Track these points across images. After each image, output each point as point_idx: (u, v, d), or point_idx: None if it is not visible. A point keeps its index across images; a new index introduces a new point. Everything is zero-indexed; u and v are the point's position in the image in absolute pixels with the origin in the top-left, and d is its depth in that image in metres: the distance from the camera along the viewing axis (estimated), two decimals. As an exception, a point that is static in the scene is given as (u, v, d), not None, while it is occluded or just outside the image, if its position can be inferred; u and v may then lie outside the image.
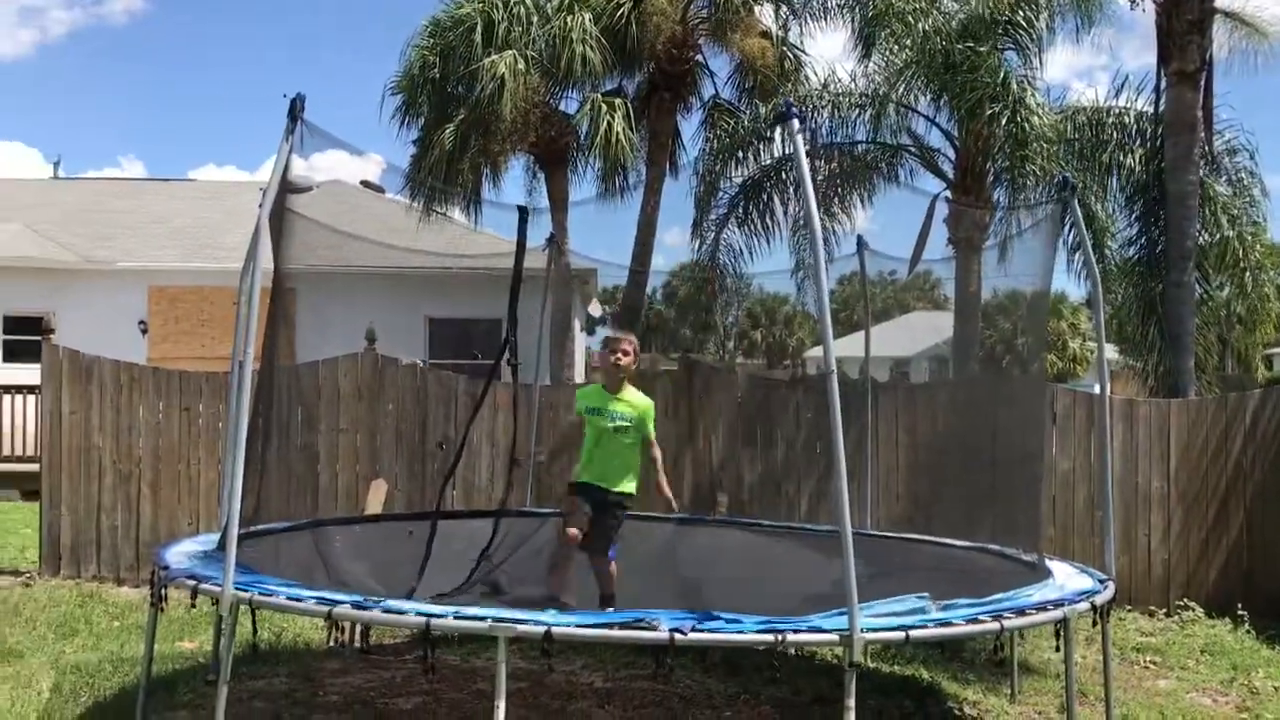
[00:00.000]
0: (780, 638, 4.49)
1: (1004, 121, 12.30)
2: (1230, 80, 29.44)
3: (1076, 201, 6.76)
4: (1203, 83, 12.24)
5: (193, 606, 5.93)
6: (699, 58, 17.19)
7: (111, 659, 7.40)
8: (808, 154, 13.76)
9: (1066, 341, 37.82)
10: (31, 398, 14.62)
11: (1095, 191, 13.64)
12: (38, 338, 10.44)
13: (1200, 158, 12.38)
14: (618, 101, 16.05)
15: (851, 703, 4.42)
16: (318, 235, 7.92)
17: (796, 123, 4.77)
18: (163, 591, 5.70)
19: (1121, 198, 13.80)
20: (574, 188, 17.32)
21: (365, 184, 26.59)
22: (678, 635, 4.41)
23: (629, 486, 6.23)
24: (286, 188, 5.54)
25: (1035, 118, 12.34)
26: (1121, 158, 13.66)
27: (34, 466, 10.69)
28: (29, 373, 13.96)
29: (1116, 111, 13.94)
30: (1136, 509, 9.63)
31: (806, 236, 13.92)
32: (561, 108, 16.91)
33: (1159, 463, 9.65)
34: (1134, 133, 13.77)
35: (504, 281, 6.99)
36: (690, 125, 18.74)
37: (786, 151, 14.21)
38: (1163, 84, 12.61)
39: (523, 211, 6.26)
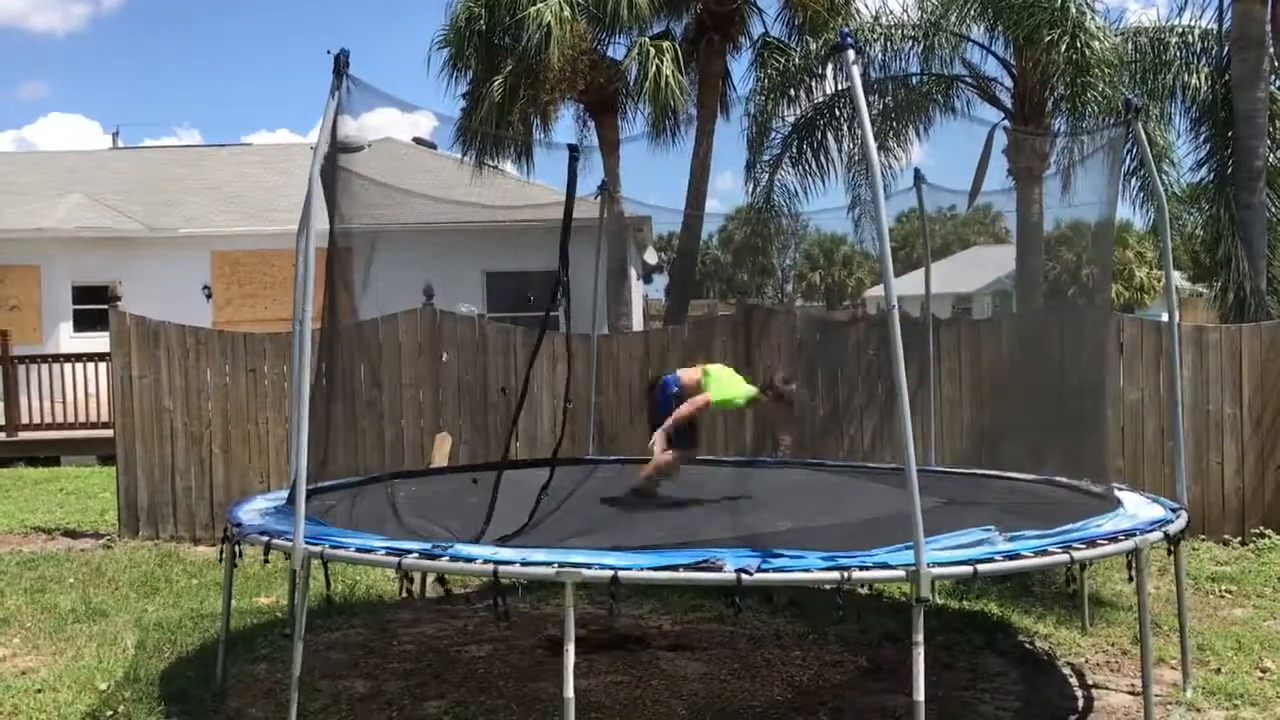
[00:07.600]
0: (846, 574, 4.45)
1: (1063, 48, 11.96)
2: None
3: (1140, 125, 6.57)
4: (1271, -6, 11.82)
5: (266, 562, 6.06)
6: (747, -5, 16.91)
7: (191, 616, 7.60)
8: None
9: (1133, 270, 36.95)
10: (103, 365, 14.92)
11: (1157, 116, 13.25)
12: (106, 306, 10.65)
13: (1269, 73, 11.98)
14: (666, 45, 15.86)
15: (919, 638, 4.34)
16: (372, 193, 7.93)
17: (852, 53, 4.65)
18: (236, 548, 5.83)
19: (1187, 120, 13.39)
20: (625, 134, 17.20)
21: (417, 140, 26.65)
22: (744, 575, 4.39)
23: None
24: (338, 147, 5.55)
25: (1096, 42, 11.98)
26: (1186, 78, 13.22)
27: (108, 432, 10.93)
28: (99, 341, 14.25)
29: (1180, 30, 13.48)
30: (1209, 437, 9.45)
31: (863, 172, 13.70)
32: (610, 54, 16.76)
33: (1231, 389, 9.44)
34: (1199, 52, 13.31)
35: (558, 232, 6.99)
36: (740, 66, 18.48)
37: (840, 87, 13.96)
38: (1227, -2, 12.20)
39: (573, 150, 6.25)
